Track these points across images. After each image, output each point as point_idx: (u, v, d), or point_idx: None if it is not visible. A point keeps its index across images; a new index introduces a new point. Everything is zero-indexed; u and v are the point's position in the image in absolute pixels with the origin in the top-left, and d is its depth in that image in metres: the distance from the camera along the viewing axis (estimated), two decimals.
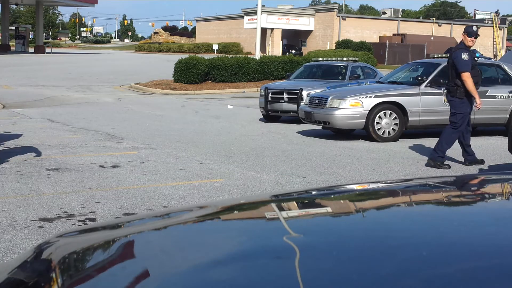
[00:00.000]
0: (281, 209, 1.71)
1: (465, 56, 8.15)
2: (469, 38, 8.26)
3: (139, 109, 16.70)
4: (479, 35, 8.54)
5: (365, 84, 13.38)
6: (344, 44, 47.12)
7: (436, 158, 8.30)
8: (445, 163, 8.36)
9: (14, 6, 77.46)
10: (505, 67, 12.10)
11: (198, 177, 7.40)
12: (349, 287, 1.01)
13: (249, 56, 28.77)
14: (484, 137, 11.54)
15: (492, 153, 9.71)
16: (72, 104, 17.90)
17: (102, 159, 8.54)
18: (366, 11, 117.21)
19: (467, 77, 8.11)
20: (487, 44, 59.47)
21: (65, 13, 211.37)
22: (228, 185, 6.96)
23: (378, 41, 54.64)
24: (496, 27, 58.65)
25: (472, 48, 8.49)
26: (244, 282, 1.08)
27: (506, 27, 65.06)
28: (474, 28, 8.38)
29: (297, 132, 12.12)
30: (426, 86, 11.18)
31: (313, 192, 2.08)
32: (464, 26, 8.90)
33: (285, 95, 13.97)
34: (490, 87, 11.69)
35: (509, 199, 1.71)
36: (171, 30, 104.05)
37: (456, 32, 60.66)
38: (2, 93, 20.40)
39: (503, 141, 10.29)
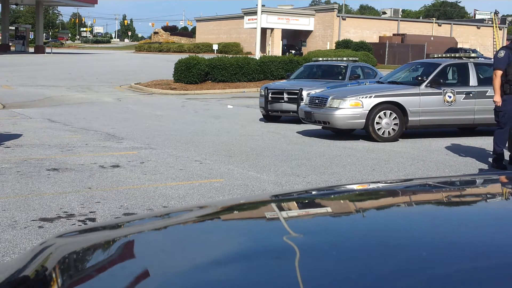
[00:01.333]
0: (281, 209, 1.71)
1: (500, 54, 8.17)
2: None
3: (139, 109, 16.70)
4: None
5: (365, 84, 13.38)
6: (344, 44, 47.13)
7: (495, 161, 8.31)
8: (504, 163, 8.32)
9: (14, 6, 77.49)
10: None
11: (198, 177, 7.40)
12: (349, 287, 1.01)
13: (249, 56, 28.78)
14: (484, 137, 11.53)
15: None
16: (72, 104, 17.90)
17: (102, 159, 8.54)
18: (366, 11, 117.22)
19: (495, 74, 8.12)
20: (487, 44, 59.48)
21: (65, 13, 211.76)
22: (228, 185, 6.96)
23: (378, 41, 54.65)
24: (496, 27, 58.66)
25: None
26: (244, 282, 1.08)
27: (506, 27, 65.07)
28: None
29: (297, 132, 12.12)
30: (426, 86, 11.19)
31: (313, 192, 2.08)
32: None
33: (285, 95, 13.98)
34: (490, 87, 11.67)
35: (509, 199, 1.71)
36: (171, 30, 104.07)
37: (456, 32, 60.70)
38: (2, 93, 20.40)
39: None
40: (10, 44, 56.44)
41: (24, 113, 15.02)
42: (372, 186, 2.18)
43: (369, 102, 10.87)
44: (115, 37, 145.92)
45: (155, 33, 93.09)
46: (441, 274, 1.03)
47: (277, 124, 13.68)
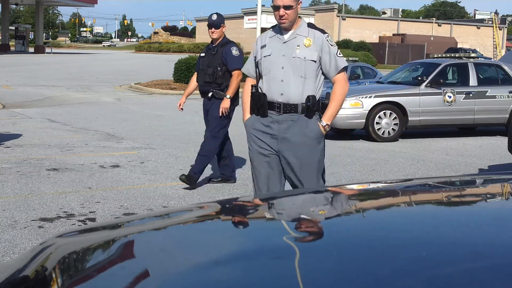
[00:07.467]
0: (280, 209, 1.71)
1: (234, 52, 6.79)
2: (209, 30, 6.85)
3: (139, 109, 16.69)
4: (215, 26, 6.68)
5: (365, 84, 13.37)
6: (344, 44, 47.12)
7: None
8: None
9: (14, 6, 77.50)
10: (505, 67, 12.12)
11: None
12: (349, 287, 1.01)
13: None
14: (484, 137, 11.55)
15: (492, 153, 9.71)
16: (72, 104, 17.89)
17: (102, 159, 8.54)
18: (366, 11, 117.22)
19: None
20: (487, 44, 59.47)
21: (65, 13, 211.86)
22: (228, 185, 6.96)
23: (378, 41, 54.65)
24: (496, 27, 58.67)
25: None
26: (244, 282, 1.08)
27: (506, 27, 65.10)
28: (213, 17, 6.73)
29: None
30: (426, 86, 11.19)
31: (313, 192, 2.08)
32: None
33: None
34: (490, 87, 11.71)
35: (509, 199, 1.71)
36: (171, 30, 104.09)
37: (456, 32, 60.69)
38: (2, 93, 20.39)
39: (503, 141, 10.29)
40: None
41: (24, 113, 15.01)
42: (372, 186, 2.18)
43: (369, 102, 10.86)
44: (115, 37, 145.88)
45: (155, 33, 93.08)
46: (441, 274, 1.03)
47: None
